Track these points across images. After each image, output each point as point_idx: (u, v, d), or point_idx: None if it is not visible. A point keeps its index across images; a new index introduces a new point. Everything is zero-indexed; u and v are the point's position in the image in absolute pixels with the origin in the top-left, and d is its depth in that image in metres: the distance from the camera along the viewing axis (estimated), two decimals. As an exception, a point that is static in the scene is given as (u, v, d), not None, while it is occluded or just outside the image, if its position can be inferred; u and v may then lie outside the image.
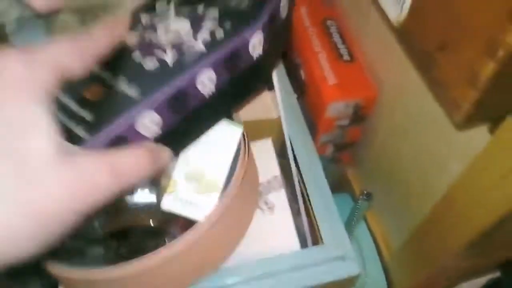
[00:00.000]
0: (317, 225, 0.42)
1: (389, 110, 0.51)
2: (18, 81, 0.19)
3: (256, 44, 0.31)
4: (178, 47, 0.30)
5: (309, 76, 0.54)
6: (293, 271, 0.38)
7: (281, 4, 0.34)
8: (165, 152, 0.27)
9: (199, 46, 0.30)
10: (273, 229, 0.42)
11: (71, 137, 0.24)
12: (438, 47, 0.28)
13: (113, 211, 0.34)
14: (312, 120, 0.54)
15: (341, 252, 0.39)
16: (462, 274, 0.51)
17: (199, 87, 0.29)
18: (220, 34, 0.30)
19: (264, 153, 0.48)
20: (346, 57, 0.53)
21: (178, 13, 0.32)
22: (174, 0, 0.34)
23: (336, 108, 0.50)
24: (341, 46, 0.54)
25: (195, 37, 0.30)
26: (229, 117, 0.40)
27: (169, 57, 0.29)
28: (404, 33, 0.33)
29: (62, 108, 0.27)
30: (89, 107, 0.27)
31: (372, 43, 0.51)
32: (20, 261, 0.19)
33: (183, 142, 0.33)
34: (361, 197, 0.50)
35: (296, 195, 0.47)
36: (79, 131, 0.25)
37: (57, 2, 0.40)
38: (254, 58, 0.32)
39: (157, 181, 0.35)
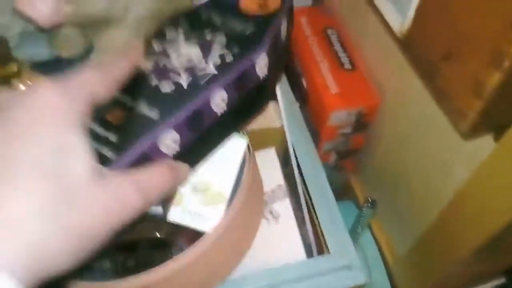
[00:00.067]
0: (322, 234, 0.42)
1: (391, 117, 0.51)
2: (57, 111, 0.21)
3: (262, 66, 0.34)
4: (191, 71, 0.32)
5: (311, 85, 0.54)
6: (299, 281, 0.38)
7: (282, 29, 0.37)
8: (184, 168, 0.29)
9: (211, 69, 0.32)
10: (278, 239, 0.42)
11: (100, 158, 0.25)
12: (443, 57, 0.28)
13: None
14: (315, 128, 0.55)
15: (347, 261, 0.39)
16: (467, 280, 0.51)
17: (213, 106, 0.31)
18: (229, 57, 0.33)
19: (268, 162, 0.48)
20: (347, 65, 0.53)
21: (187, 39, 0.35)
22: (182, 27, 0.37)
23: (338, 117, 0.51)
24: (342, 55, 0.55)
25: (206, 61, 0.33)
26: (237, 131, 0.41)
27: (184, 80, 0.32)
28: (408, 43, 0.33)
29: (89, 131, 0.28)
30: (113, 130, 0.29)
31: (373, 52, 0.51)
32: (57, 275, 0.20)
33: (198, 157, 0.34)
34: (365, 204, 0.50)
35: (300, 204, 0.47)
36: (107, 152, 0.27)
37: (60, 18, 0.40)
38: (261, 77, 0.34)
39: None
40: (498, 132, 0.32)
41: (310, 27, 0.58)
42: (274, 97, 0.49)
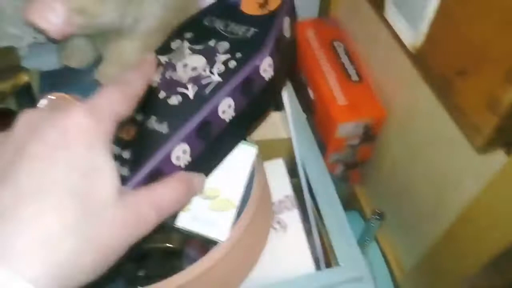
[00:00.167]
0: (330, 245, 0.42)
1: (399, 129, 0.51)
2: (87, 133, 0.22)
3: (266, 68, 0.33)
4: (196, 80, 0.32)
5: (318, 96, 0.54)
6: (309, 294, 0.37)
7: (284, 27, 0.36)
8: (198, 179, 0.30)
9: (216, 77, 0.32)
10: (287, 249, 0.42)
11: None
12: (457, 72, 0.28)
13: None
14: (322, 139, 0.55)
15: (358, 273, 0.39)
16: (476, 294, 0.51)
17: (221, 114, 0.31)
18: (233, 64, 0.32)
19: (276, 172, 0.48)
20: (354, 77, 0.54)
21: (191, 49, 0.35)
22: (186, 37, 0.37)
23: (346, 129, 0.51)
24: (349, 67, 0.55)
25: (211, 70, 0.33)
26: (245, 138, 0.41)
27: (190, 91, 0.32)
28: (420, 58, 0.33)
29: None
30: (126, 147, 0.29)
31: (381, 64, 0.51)
32: (81, 286, 0.21)
33: (211, 165, 0.34)
34: (373, 216, 0.50)
35: (307, 215, 0.47)
36: (122, 170, 0.28)
37: (72, 29, 0.41)
38: (266, 79, 0.34)
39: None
40: (511, 146, 0.32)
41: (316, 39, 0.59)
42: (280, 97, 0.49)
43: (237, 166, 0.37)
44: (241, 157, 0.37)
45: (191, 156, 0.30)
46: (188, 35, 0.37)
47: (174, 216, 0.35)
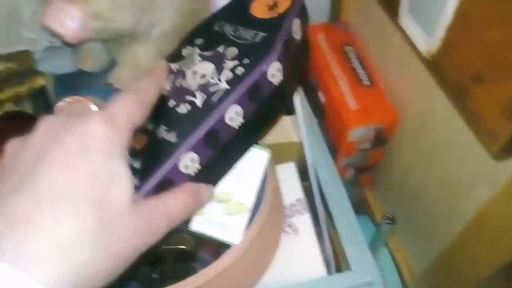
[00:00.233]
0: (340, 249, 0.42)
1: (412, 133, 0.51)
2: (106, 141, 0.23)
3: (275, 73, 0.33)
4: (205, 89, 0.32)
5: (329, 101, 0.55)
6: (321, 298, 0.37)
7: (294, 29, 0.36)
8: (206, 190, 0.31)
9: (223, 85, 0.32)
10: (298, 253, 0.42)
11: None
12: (473, 79, 0.28)
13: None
14: (333, 143, 0.55)
15: (369, 278, 0.39)
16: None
17: (228, 122, 0.31)
18: (240, 70, 0.32)
19: (287, 176, 0.48)
20: (365, 82, 0.54)
21: (201, 55, 0.35)
22: (196, 43, 0.37)
23: (357, 133, 0.51)
24: (360, 71, 0.55)
25: (218, 76, 0.33)
26: (256, 142, 0.41)
27: (198, 100, 0.32)
28: (436, 64, 0.33)
29: None
30: (137, 156, 0.29)
31: (394, 69, 0.51)
32: None
33: (221, 172, 0.34)
34: (384, 221, 0.50)
35: (318, 219, 0.47)
36: (133, 180, 0.27)
37: (88, 34, 0.41)
38: (275, 84, 0.33)
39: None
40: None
41: (327, 43, 0.59)
42: (292, 100, 0.49)
43: (250, 170, 0.37)
44: (254, 161, 0.37)
45: (200, 164, 0.30)
46: (199, 41, 0.37)
47: (186, 221, 0.35)
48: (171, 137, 0.30)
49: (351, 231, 0.42)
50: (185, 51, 0.37)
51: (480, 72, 0.28)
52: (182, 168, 0.29)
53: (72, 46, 0.50)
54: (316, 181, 0.47)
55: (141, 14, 0.42)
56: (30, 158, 0.22)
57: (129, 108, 0.25)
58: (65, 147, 0.22)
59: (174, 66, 0.36)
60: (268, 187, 0.37)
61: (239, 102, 0.31)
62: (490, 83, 0.28)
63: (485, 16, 0.28)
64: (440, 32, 0.31)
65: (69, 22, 0.40)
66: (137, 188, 0.27)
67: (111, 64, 0.52)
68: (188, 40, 0.38)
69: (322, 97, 0.57)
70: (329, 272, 0.42)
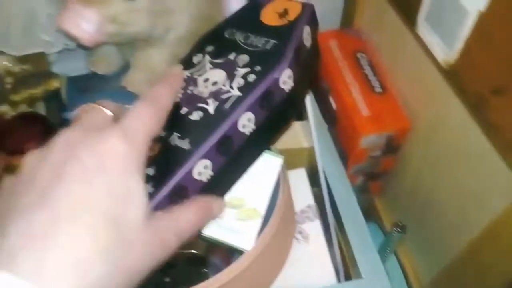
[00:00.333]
0: (350, 256, 0.42)
1: (425, 142, 0.51)
2: (122, 158, 0.23)
3: (286, 80, 0.33)
4: (217, 96, 0.32)
5: (341, 107, 0.55)
6: (332, 306, 0.37)
7: (304, 36, 0.36)
8: (217, 203, 0.31)
9: (235, 92, 0.32)
10: (308, 260, 0.42)
11: None
12: (493, 90, 0.28)
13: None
14: (343, 150, 0.55)
15: (379, 286, 0.38)
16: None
17: (241, 129, 0.31)
18: (252, 77, 0.32)
19: (297, 182, 0.48)
20: (378, 89, 0.54)
21: (213, 64, 0.35)
22: (207, 50, 0.37)
23: (369, 140, 0.51)
24: (372, 78, 0.55)
25: (231, 85, 0.33)
26: (269, 148, 0.41)
27: (211, 107, 0.32)
28: (453, 74, 0.33)
29: None
30: (151, 164, 0.29)
31: (407, 77, 0.51)
32: None
33: (233, 178, 0.35)
34: (394, 229, 0.49)
35: (327, 225, 0.47)
36: (147, 187, 0.27)
37: (103, 37, 0.42)
38: (287, 91, 0.34)
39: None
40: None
41: (339, 50, 0.59)
42: (303, 106, 0.49)
43: (263, 176, 0.37)
44: (267, 167, 0.38)
45: (213, 170, 0.31)
46: (209, 48, 0.37)
47: None
48: (184, 144, 0.30)
49: (362, 239, 0.42)
50: (195, 59, 0.37)
51: (500, 84, 0.28)
52: (195, 175, 0.29)
53: (86, 49, 0.51)
54: (326, 187, 0.47)
55: (157, 18, 0.42)
56: (48, 174, 0.22)
57: (147, 120, 0.25)
58: (83, 164, 0.22)
59: (185, 73, 0.36)
60: (281, 193, 0.37)
61: (251, 109, 0.31)
62: (511, 95, 0.28)
63: (506, 30, 0.27)
64: (459, 43, 0.31)
65: (85, 25, 0.40)
66: (151, 195, 0.27)
67: (124, 67, 0.52)
68: (199, 47, 0.38)
69: (333, 103, 0.57)
70: (338, 279, 0.42)
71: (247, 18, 0.39)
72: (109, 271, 0.21)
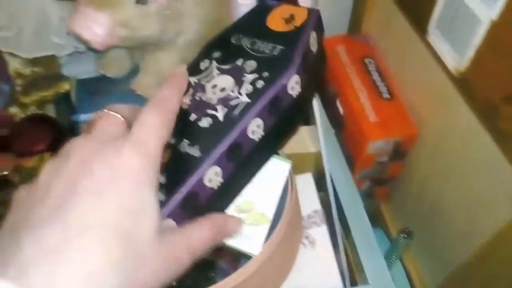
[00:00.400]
0: (356, 262, 0.42)
1: (431, 148, 0.51)
2: (135, 172, 0.23)
3: (294, 85, 0.33)
4: (225, 102, 0.32)
5: (349, 112, 0.55)
6: (339, 311, 0.37)
7: (310, 42, 0.36)
8: (233, 221, 0.31)
9: (244, 98, 0.32)
10: (315, 265, 0.42)
11: None
12: (504, 98, 0.28)
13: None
14: (350, 155, 0.55)
15: (387, 293, 0.38)
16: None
17: (250, 135, 0.31)
18: (260, 83, 0.32)
19: (304, 187, 0.48)
20: (385, 94, 0.54)
21: (220, 70, 0.35)
22: (214, 56, 0.37)
23: (377, 146, 0.51)
24: (380, 84, 0.55)
25: (239, 91, 0.33)
26: (277, 153, 0.41)
27: (220, 113, 0.32)
28: (464, 81, 0.33)
29: None
30: (162, 171, 0.29)
31: (416, 84, 0.51)
32: None
33: (241, 183, 0.35)
34: (401, 235, 0.49)
35: (334, 231, 0.47)
36: (158, 195, 0.28)
37: (114, 41, 0.42)
38: (294, 96, 0.34)
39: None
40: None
41: (347, 55, 0.59)
42: (309, 110, 0.49)
43: (271, 181, 0.37)
44: (275, 172, 0.38)
45: (222, 177, 0.31)
46: (216, 54, 0.37)
47: None
48: (195, 151, 0.30)
49: (369, 245, 0.42)
50: (202, 65, 0.37)
51: (511, 92, 0.28)
52: (206, 182, 0.29)
53: (96, 52, 0.51)
54: (333, 192, 0.47)
55: (167, 22, 0.43)
56: (62, 187, 0.22)
57: (157, 127, 0.25)
58: (96, 178, 0.22)
59: (193, 79, 0.36)
60: (288, 198, 0.37)
61: (260, 115, 0.31)
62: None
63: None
64: (470, 51, 0.31)
65: (96, 29, 0.41)
66: (162, 203, 0.27)
67: (133, 70, 0.53)
68: (206, 53, 0.38)
69: (340, 109, 0.57)
70: (344, 284, 0.42)
71: (254, 24, 0.39)
72: (121, 284, 0.21)
